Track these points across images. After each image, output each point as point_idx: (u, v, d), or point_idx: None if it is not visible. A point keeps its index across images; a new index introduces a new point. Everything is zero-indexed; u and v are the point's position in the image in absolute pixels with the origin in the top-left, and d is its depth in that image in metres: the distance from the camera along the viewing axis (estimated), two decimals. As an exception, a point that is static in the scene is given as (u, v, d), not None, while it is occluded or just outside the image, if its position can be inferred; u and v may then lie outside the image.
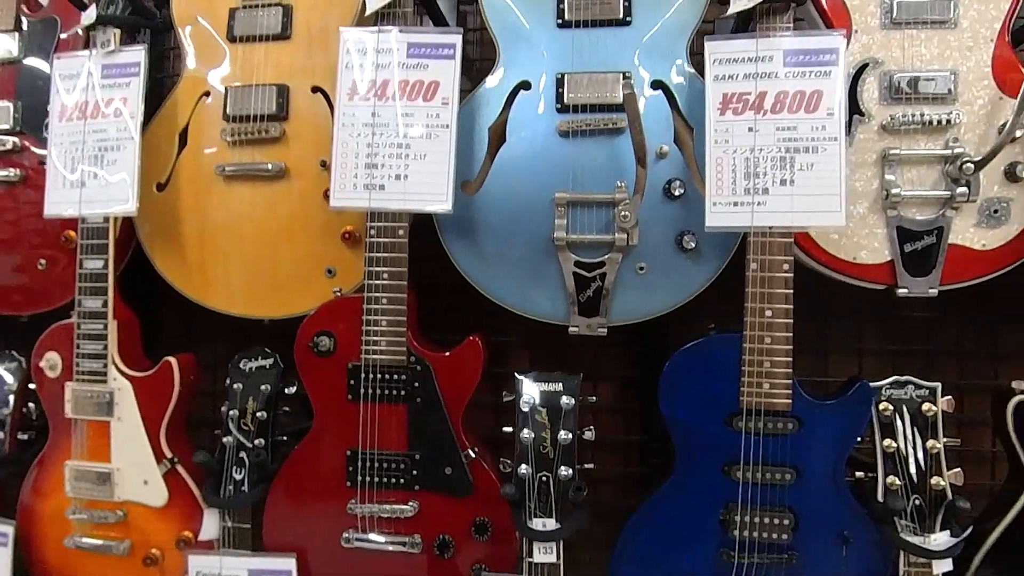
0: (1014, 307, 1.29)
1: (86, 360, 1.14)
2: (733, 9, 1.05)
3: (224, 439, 1.14)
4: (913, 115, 1.07)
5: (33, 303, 1.24)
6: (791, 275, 1.02)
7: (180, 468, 1.15)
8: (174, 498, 1.15)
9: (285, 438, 1.16)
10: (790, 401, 1.02)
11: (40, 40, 1.23)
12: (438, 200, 1.06)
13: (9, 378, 1.22)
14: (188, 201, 1.19)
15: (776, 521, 1.02)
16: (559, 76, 1.10)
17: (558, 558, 1.04)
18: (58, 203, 1.15)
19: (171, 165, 1.20)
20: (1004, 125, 1.04)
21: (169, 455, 1.15)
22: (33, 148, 1.23)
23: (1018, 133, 1.05)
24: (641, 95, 1.10)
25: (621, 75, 1.08)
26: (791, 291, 1.02)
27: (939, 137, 1.07)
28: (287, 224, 1.16)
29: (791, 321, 1.02)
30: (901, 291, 1.08)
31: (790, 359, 1.02)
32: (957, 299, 1.28)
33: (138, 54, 1.14)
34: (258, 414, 1.14)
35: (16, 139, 1.22)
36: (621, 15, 1.10)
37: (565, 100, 1.10)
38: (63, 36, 1.21)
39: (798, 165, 1.01)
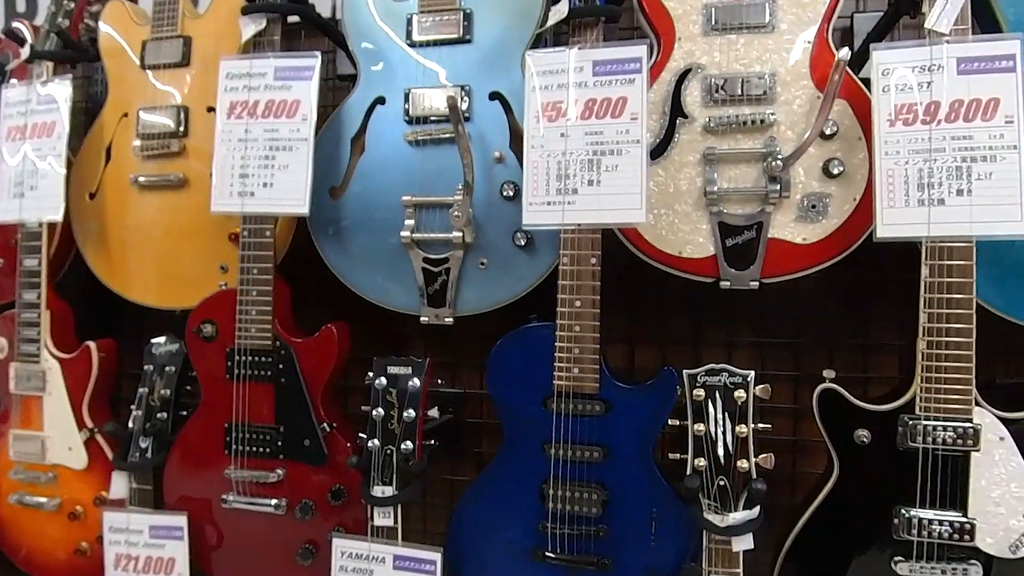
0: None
1: (24, 344, 1.35)
2: (550, 23, 1.14)
3: (135, 412, 1.32)
4: (731, 116, 1.12)
5: (-3, 296, 1.47)
6: (598, 269, 1.11)
7: (99, 437, 1.34)
8: (93, 462, 1.34)
9: (185, 413, 1.33)
10: (598, 385, 1.10)
11: (-5, 73, 1.46)
12: (297, 204, 1.21)
13: (-24, 360, 1.46)
14: (112, 208, 1.39)
15: (586, 496, 1.11)
16: (407, 91, 1.22)
17: (395, 522, 1.16)
18: (5, 211, 1.37)
19: (99, 177, 1.40)
20: (826, 124, 1.08)
21: (90, 425, 1.35)
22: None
23: (828, 131, 1.10)
24: (480, 105, 1.21)
25: (455, 88, 1.19)
26: (598, 283, 1.10)
27: (758, 136, 1.12)
28: (187, 227, 1.33)
29: (598, 311, 1.10)
30: (724, 284, 1.14)
31: (598, 346, 1.10)
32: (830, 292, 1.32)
33: (66, 83, 1.35)
34: (162, 391, 1.32)
35: (-20, 158, 1.46)
36: (461, 34, 1.21)
37: (411, 113, 1.22)
38: (10, 68, 1.43)
39: (604, 167, 1.09)
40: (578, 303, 1.11)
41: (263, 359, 1.23)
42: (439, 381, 1.24)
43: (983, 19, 1.11)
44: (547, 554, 1.13)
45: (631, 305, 1.41)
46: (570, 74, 1.11)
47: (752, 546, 1.05)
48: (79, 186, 1.40)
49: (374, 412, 1.17)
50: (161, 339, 1.35)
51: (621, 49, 1.09)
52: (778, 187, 1.09)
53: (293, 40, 1.52)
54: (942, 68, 1.01)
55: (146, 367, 1.34)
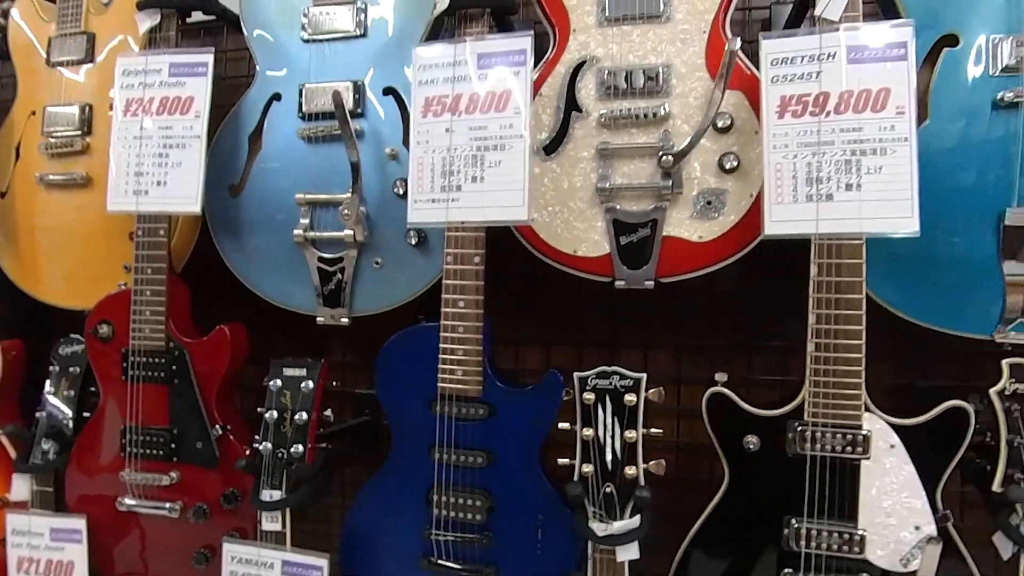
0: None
1: (-71, 345, 1.35)
2: (435, 14, 1.11)
3: (38, 413, 1.31)
4: (625, 110, 1.08)
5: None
6: (482, 268, 1.07)
7: (3, 438, 1.33)
8: (-3, 463, 1.33)
9: (88, 415, 1.31)
10: (481, 388, 1.07)
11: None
12: (189, 203, 1.18)
13: None
14: (22, 207, 1.38)
15: (470, 502, 1.07)
16: (301, 86, 1.20)
17: (284, 527, 1.14)
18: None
19: (9, 175, 1.39)
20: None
21: (-8, 426, 1.34)
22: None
23: (722, 124, 1.05)
24: (375, 101, 1.18)
25: (347, 84, 1.16)
26: (482, 283, 1.07)
27: (653, 131, 1.08)
28: (93, 227, 1.32)
29: (482, 311, 1.07)
30: (619, 283, 1.10)
31: (481, 347, 1.07)
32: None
33: (-28, 81, 1.34)
34: (66, 392, 1.31)
35: None
36: (356, 29, 1.18)
37: (304, 109, 1.19)
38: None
39: (487, 163, 1.05)
40: (461, 303, 1.07)
41: (156, 360, 1.21)
42: (334, 383, 1.21)
43: (883, 5, 1.07)
44: (434, 561, 1.10)
45: (542, 307, 1.37)
46: (455, 67, 1.07)
47: (638, 556, 1.01)
48: (-11, 185, 1.39)
49: (267, 414, 1.15)
50: (66, 340, 1.34)
51: (505, 41, 1.05)
52: (670, 183, 1.06)
53: (192, 40, 1.49)
54: (832, 57, 0.97)
55: (51, 368, 1.33)
